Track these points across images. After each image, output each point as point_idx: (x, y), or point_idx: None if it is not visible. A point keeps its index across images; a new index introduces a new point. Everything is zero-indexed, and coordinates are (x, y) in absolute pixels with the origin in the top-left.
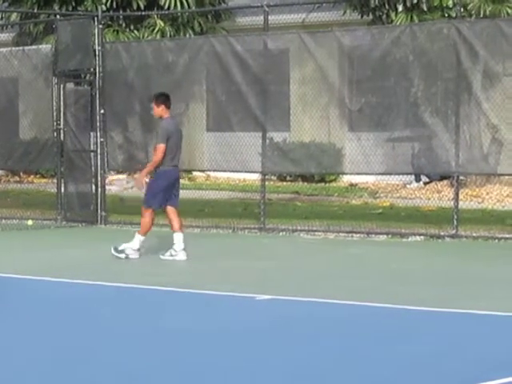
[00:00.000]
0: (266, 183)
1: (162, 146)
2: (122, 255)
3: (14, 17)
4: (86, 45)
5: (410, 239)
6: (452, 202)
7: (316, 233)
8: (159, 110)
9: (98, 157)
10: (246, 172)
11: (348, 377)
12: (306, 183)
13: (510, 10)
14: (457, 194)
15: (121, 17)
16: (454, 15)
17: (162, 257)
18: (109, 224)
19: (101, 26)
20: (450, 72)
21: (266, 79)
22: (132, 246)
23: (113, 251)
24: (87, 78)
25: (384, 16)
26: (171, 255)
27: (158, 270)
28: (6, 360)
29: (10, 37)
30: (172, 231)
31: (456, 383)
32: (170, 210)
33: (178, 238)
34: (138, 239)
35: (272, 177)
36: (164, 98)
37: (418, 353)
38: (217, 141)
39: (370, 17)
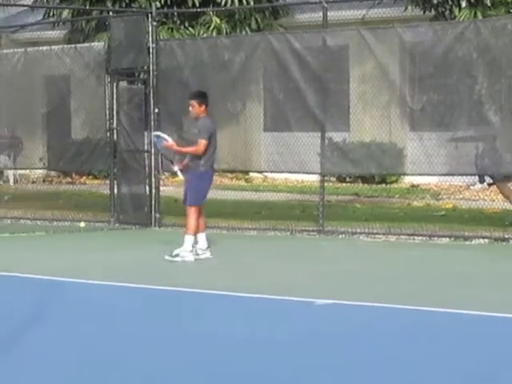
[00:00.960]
0: (325, 184)
1: (204, 142)
2: (178, 259)
3: (65, 14)
4: (139, 42)
5: (473, 242)
6: None
7: (376, 235)
8: (201, 110)
9: (152, 157)
10: (304, 173)
11: None
12: (366, 184)
13: None
14: None
15: (175, 14)
16: None
17: (167, 257)
18: (163, 226)
19: (155, 23)
20: None
21: (324, 77)
22: (185, 248)
23: (167, 257)
24: (141, 76)
25: (447, 12)
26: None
27: (212, 273)
28: (48, 361)
29: (61, 34)
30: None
31: None
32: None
33: (202, 237)
34: (188, 240)
35: (331, 178)
36: (206, 97)
37: (484, 360)
38: (274, 141)
39: (433, 13)
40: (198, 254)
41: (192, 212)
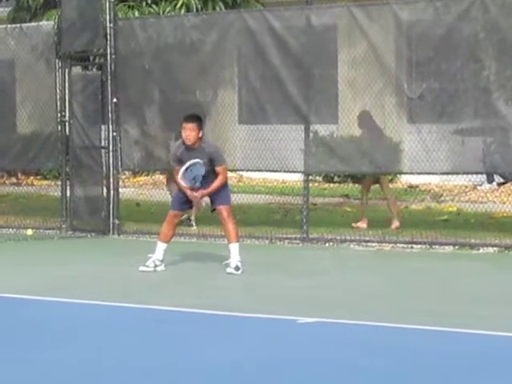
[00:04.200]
0: (310, 185)
1: (225, 166)
2: (240, 271)
3: None
4: (94, 22)
5: (480, 251)
6: None
7: (369, 244)
8: (199, 136)
9: (110, 154)
10: (285, 172)
11: None
12: (356, 185)
13: None
14: None
15: None
16: None
17: (141, 268)
18: (123, 234)
19: (112, 0)
20: None
21: (308, 62)
22: (234, 258)
23: (230, 270)
24: (97, 60)
25: None
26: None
27: (182, 289)
28: None
29: (5, 12)
30: (167, 241)
31: None
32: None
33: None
34: (234, 250)
35: (316, 177)
36: (202, 121)
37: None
38: (251, 135)
39: None
40: (155, 266)
41: (228, 217)
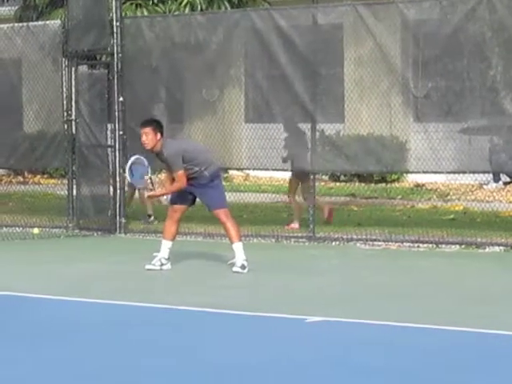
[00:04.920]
0: (316, 184)
1: (181, 173)
2: (246, 270)
3: None
4: (101, 20)
5: (487, 250)
6: None
7: (375, 242)
8: (157, 140)
9: (117, 153)
10: (291, 171)
11: None
12: (363, 184)
13: None
14: None
15: None
16: None
17: (148, 266)
18: (129, 233)
19: None
20: None
21: (315, 60)
22: (239, 257)
23: (236, 269)
24: (103, 59)
25: None
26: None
27: (188, 287)
28: None
29: (12, 11)
30: (171, 238)
31: None
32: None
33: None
34: (238, 249)
35: (323, 176)
36: (161, 125)
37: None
38: (257, 134)
39: None
40: (162, 264)
41: (226, 217)
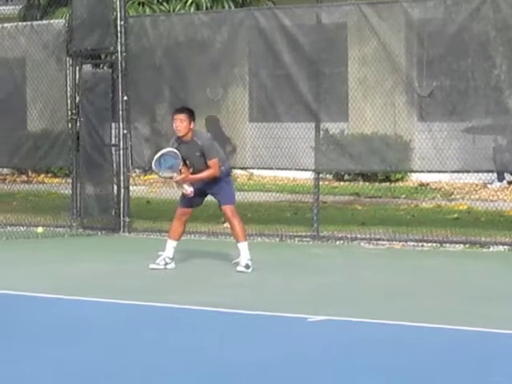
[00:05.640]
0: (320, 183)
1: (216, 161)
2: (250, 269)
3: None
4: (105, 19)
5: (491, 249)
6: None
7: (379, 242)
8: (190, 128)
9: (121, 152)
10: (296, 170)
11: None
12: (367, 183)
13: None
14: None
15: None
16: None
17: (152, 266)
18: (133, 232)
19: None
20: None
21: (319, 60)
22: (244, 256)
23: (240, 268)
24: (107, 58)
25: None
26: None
27: (192, 286)
28: None
29: (15, 10)
30: (176, 239)
31: None
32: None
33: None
34: (243, 248)
35: (327, 175)
36: (194, 114)
37: None
38: (261, 133)
39: None
40: (166, 264)
41: (233, 215)
